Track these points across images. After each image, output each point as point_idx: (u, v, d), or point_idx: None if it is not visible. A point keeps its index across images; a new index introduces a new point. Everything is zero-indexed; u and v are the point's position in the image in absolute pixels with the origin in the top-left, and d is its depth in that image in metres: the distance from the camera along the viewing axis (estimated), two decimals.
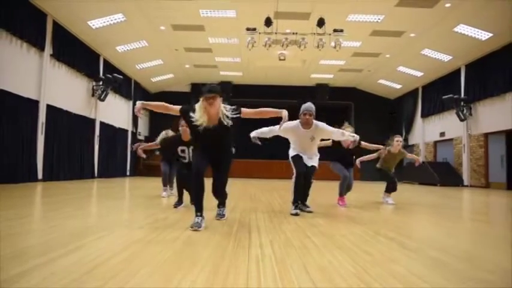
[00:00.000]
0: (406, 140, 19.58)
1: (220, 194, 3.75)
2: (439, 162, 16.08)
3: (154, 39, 13.75)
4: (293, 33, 11.57)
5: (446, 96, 14.25)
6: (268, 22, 10.82)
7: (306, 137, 4.69)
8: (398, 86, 18.86)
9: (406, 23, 11.94)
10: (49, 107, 10.60)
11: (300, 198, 4.72)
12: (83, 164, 12.74)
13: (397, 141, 6.31)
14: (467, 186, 14.09)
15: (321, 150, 5.23)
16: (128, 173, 17.03)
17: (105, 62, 14.23)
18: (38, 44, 10.01)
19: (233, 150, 3.79)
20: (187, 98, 18.98)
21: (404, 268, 2.08)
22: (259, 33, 11.25)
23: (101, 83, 13.51)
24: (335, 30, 11.20)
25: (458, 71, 14.69)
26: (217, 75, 18.87)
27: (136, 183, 11.12)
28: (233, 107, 3.42)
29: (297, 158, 4.75)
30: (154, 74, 17.65)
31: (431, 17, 11.21)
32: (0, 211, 4.03)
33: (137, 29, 12.57)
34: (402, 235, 3.19)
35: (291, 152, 4.87)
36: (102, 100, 13.73)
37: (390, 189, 6.30)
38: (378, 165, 6.57)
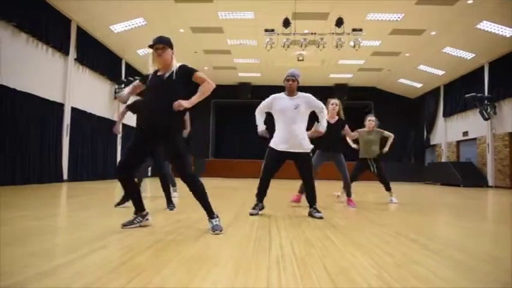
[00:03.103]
0: (427, 140, 19.19)
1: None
2: (462, 162, 15.68)
3: (174, 42, 13.63)
4: (311, 34, 11.53)
5: (468, 95, 13.91)
6: (286, 23, 10.82)
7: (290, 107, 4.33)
8: (419, 85, 18.52)
9: (426, 21, 11.73)
10: (73, 110, 10.92)
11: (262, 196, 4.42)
12: (106, 165, 13.04)
13: (370, 120, 6.07)
14: (491, 187, 13.71)
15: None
16: (149, 174, 17.28)
17: (127, 65, 14.55)
18: (62, 48, 10.34)
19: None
20: (207, 99, 19.23)
21: (427, 270, 2.05)
22: (278, 34, 11.28)
23: (123, 85, 13.79)
24: (354, 30, 11.11)
25: (481, 69, 14.31)
26: (236, 77, 18.97)
27: (157, 184, 11.27)
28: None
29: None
30: None
31: (452, 14, 10.98)
32: (28, 211, 4.17)
33: (157, 32, 12.53)
34: (424, 236, 3.14)
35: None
36: (124, 103, 13.98)
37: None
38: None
